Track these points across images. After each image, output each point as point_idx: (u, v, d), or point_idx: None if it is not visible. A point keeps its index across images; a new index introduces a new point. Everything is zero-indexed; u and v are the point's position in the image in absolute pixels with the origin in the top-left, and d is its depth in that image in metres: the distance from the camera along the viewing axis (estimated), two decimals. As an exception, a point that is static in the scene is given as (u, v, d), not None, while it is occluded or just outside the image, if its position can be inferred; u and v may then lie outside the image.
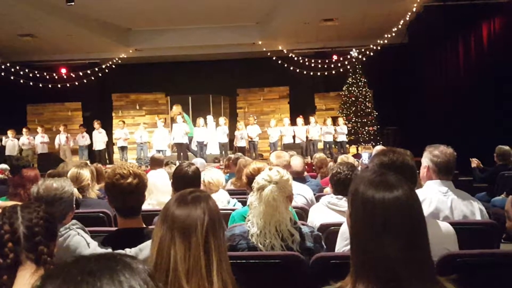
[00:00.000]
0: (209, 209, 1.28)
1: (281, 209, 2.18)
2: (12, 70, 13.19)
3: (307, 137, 13.12)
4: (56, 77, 13.90)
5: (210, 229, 1.24)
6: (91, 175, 3.97)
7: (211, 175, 3.80)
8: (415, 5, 10.81)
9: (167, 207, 1.29)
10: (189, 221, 1.23)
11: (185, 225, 1.22)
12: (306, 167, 6.17)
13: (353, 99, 13.31)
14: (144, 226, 2.17)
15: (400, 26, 11.81)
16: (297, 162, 4.50)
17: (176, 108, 13.50)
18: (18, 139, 12.85)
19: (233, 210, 3.35)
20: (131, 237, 1.98)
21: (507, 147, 6.31)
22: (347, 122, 13.26)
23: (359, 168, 4.85)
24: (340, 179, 3.05)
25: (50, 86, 13.64)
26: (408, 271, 1.07)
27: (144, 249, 1.87)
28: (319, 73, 13.27)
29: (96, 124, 13.44)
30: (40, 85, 13.58)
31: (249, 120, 13.73)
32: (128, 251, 1.90)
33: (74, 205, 2.34)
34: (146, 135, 13.48)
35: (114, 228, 2.83)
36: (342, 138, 13.08)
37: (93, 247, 1.93)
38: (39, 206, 1.67)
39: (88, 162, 8.21)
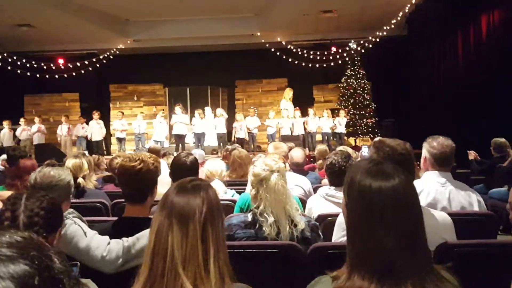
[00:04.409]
0: (208, 198, 1.28)
1: (289, 196, 2.22)
2: (9, 60, 13.11)
3: (305, 129, 13.11)
4: (54, 68, 13.84)
5: (208, 218, 1.24)
6: (88, 165, 3.97)
7: (210, 165, 3.83)
8: (414, -3, 10.77)
9: (167, 194, 1.29)
10: (187, 208, 1.23)
11: (183, 213, 1.23)
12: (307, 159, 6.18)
13: (352, 91, 13.31)
14: (149, 216, 2.16)
15: (399, 18, 11.76)
16: (298, 154, 4.48)
17: (289, 91, 13.39)
18: (15, 129, 12.83)
19: (231, 200, 3.36)
20: (132, 226, 1.98)
21: (502, 139, 6.32)
22: (346, 114, 13.25)
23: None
24: (334, 171, 2.96)
25: (47, 76, 13.61)
26: (404, 261, 1.06)
27: (141, 238, 1.87)
28: (317, 65, 13.22)
29: (95, 115, 13.39)
30: (38, 75, 13.54)
31: (249, 111, 13.71)
32: (125, 240, 1.90)
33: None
34: (144, 125, 13.44)
35: (112, 218, 2.83)
36: (341, 129, 13.07)
37: (90, 236, 1.92)
38: (44, 196, 1.66)
39: (86, 152, 8.21)
